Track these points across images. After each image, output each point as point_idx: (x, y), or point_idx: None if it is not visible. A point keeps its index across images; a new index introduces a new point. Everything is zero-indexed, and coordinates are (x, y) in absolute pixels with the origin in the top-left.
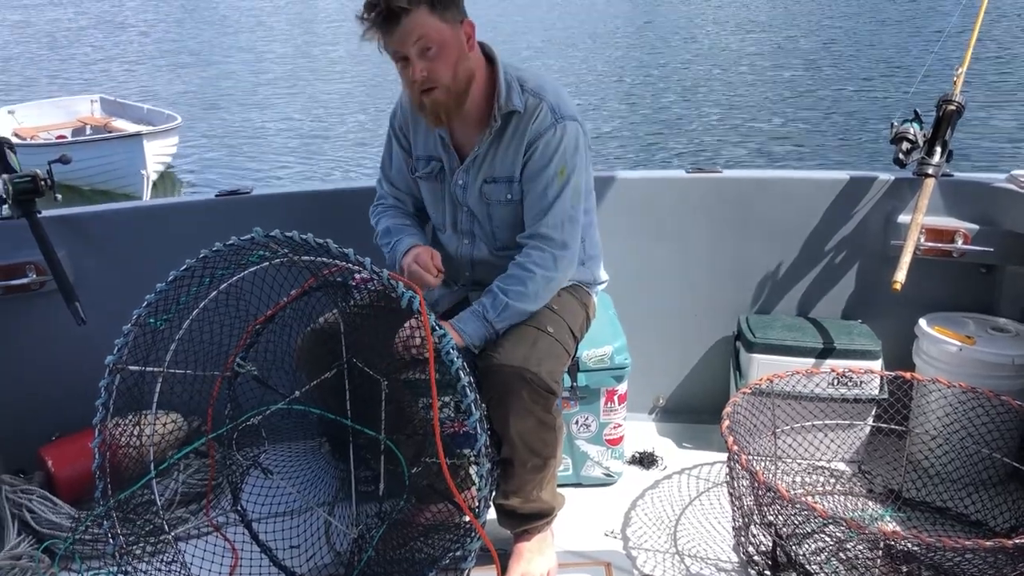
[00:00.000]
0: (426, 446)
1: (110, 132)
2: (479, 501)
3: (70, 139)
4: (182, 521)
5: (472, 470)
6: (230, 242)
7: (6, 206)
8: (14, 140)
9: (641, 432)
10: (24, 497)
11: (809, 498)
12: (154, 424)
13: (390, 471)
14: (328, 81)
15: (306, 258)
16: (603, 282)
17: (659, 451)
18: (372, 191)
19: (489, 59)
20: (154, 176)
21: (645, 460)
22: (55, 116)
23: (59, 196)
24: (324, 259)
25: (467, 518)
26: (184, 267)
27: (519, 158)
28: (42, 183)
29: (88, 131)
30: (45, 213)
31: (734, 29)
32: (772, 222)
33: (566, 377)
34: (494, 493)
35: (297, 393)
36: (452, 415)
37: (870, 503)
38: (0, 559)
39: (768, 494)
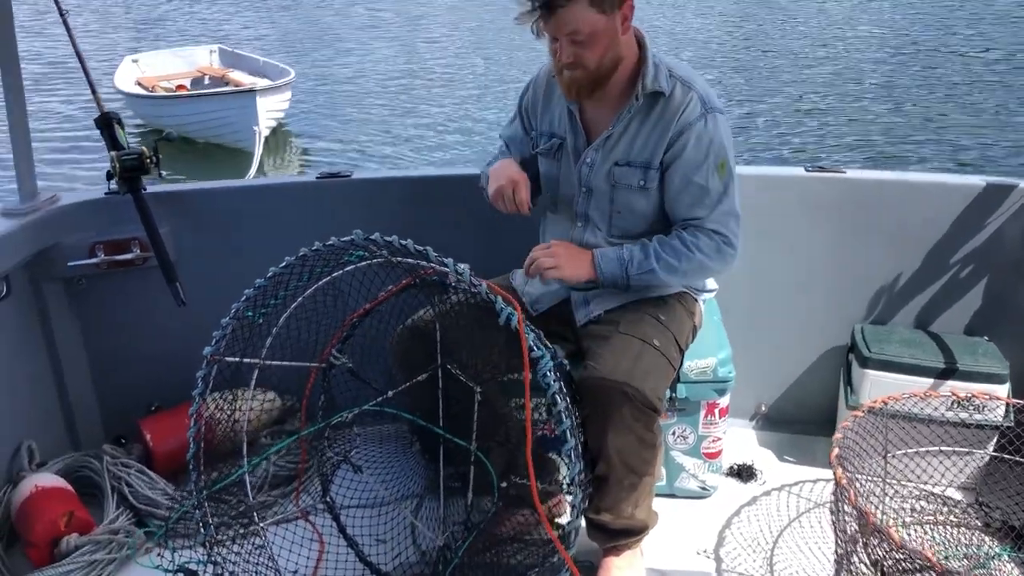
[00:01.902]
0: (517, 456)
1: (226, 83)
2: (569, 532)
3: (189, 90)
4: (269, 505)
5: (562, 476)
6: (330, 242)
7: (114, 181)
8: (137, 90)
9: (740, 440)
10: (124, 471)
11: (918, 530)
12: (250, 401)
13: (479, 479)
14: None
15: (406, 260)
16: (712, 290)
17: (759, 463)
18: (470, 178)
19: (639, 43)
20: (266, 132)
21: (743, 473)
22: (176, 66)
23: (164, 173)
24: (422, 263)
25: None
26: (284, 264)
27: (661, 145)
28: (148, 160)
29: (206, 81)
30: (150, 189)
31: (864, 16)
32: (897, 227)
33: None
34: (586, 504)
35: (390, 393)
36: (544, 416)
37: (986, 538)
38: (99, 532)
39: (876, 534)
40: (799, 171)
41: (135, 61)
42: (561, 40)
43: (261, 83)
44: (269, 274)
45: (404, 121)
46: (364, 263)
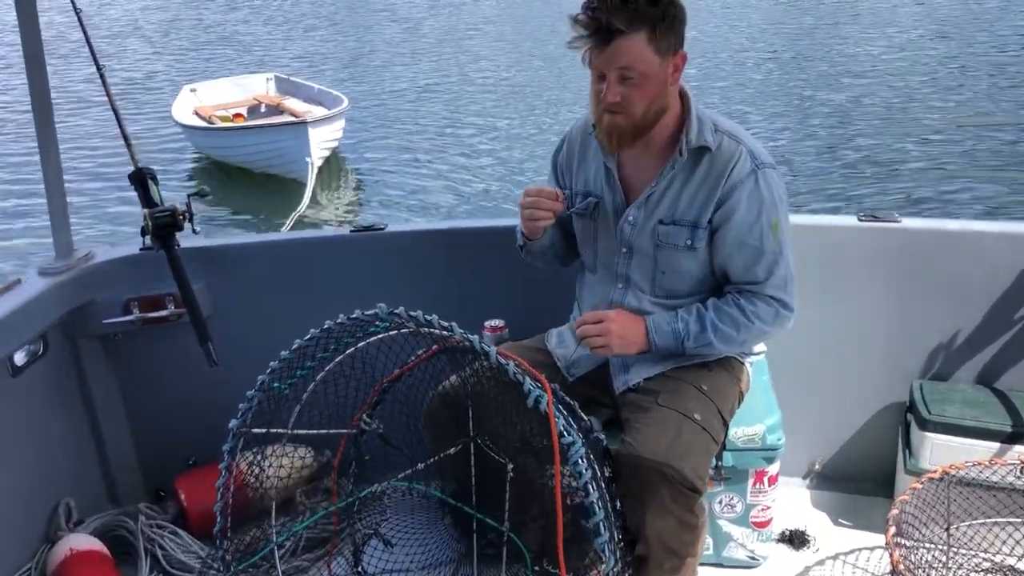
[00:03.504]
0: (553, 533)
1: (281, 111)
2: None
3: (246, 119)
4: (302, 571)
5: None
6: (354, 315)
7: (148, 237)
8: (195, 120)
9: (793, 501)
10: (157, 533)
11: None
12: (279, 461)
13: (514, 554)
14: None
15: (433, 331)
16: (759, 352)
17: (812, 528)
18: (507, 229)
19: (681, 96)
20: (319, 162)
21: (795, 540)
22: (233, 94)
23: (198, 230)
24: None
25: None
26: (308, 336)
27: (710, 204)
28: (180, 217)
29: (263, 109)
30: (184, 245)
31: (920, 50)
32: (957, 279)
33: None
34: None
35: (420, 466)
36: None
37: None
38: None
39: None
40: (851, 220)
41: (193, 90)
42: (610, 77)
43: (315, 112)
44: (294, 346)
45: (455, 152)
46: (391, 332)
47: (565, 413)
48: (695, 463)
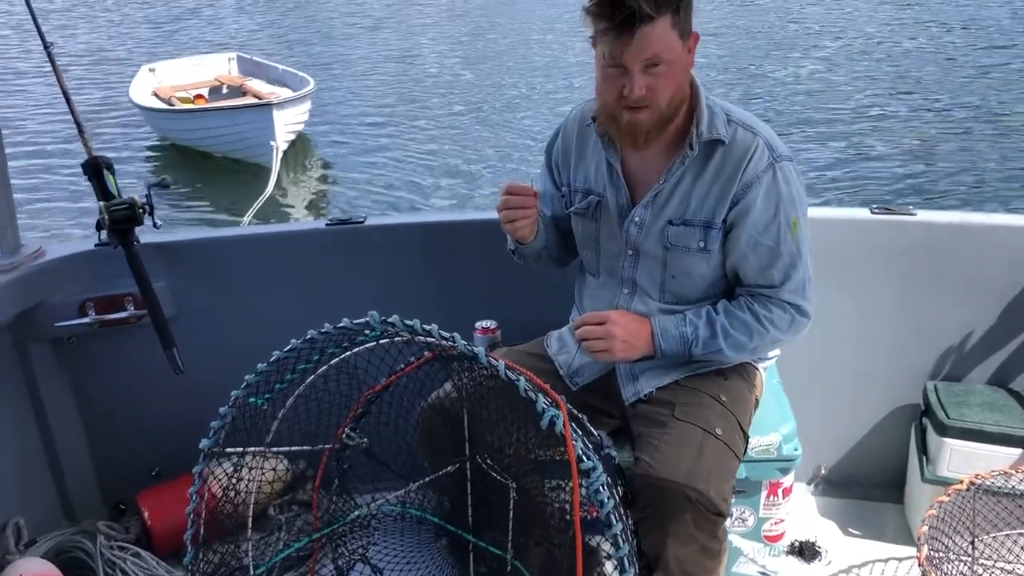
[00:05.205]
0: (556, 553)
1: (244, 93)
2: None
3: (207, 100)
4: None
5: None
6: (342, 324)
7: (104, 232)
8: (153, 101)
9: (800, 509)
10: (119, 556)
11: None
12: (255, 483)
13: None
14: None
15: (428, 340)
16: (772, 357)
17: (822, 538)
18: (496, 222)
19: (689, 82)
20: (284, 145)
21: (806, 551)
22: (194, 75)
23: (159, 223)
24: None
25: None
26: (289, 348)
27: (724, 201)
28: (140, 210)
29: (224, 90)
30: (144, 240)
31: (940, 37)
32: (974, 274)
33: None
34: None
35: (414, 486)
36: (584, 496)
37: None
38: None
39: None
40: (864, 212)
41: (152, 70)
42: (633, 70)
43: (280, 93)
44: (272, 358)
45: (433, 135)
46: (383, 341)
47: (580, 432)
48: (720, 484)
